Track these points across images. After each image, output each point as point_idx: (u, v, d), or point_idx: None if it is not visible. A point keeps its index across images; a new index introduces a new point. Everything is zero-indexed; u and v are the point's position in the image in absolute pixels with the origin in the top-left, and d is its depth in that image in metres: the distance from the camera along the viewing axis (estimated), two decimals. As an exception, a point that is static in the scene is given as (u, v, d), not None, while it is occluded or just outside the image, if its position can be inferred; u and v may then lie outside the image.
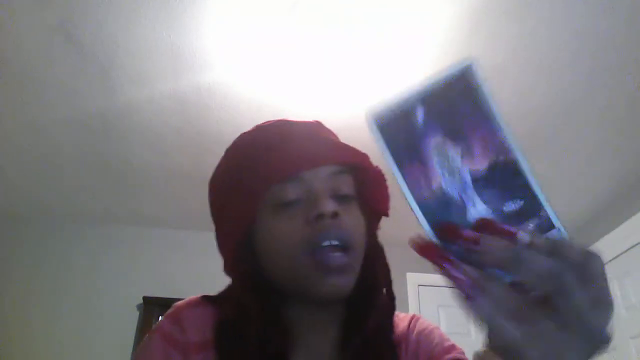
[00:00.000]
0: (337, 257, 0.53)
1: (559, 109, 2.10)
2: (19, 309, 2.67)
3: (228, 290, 0.63)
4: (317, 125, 0.66)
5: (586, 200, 2.73)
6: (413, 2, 1.64)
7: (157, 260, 2.92)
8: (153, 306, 2.74)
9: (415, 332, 0.65)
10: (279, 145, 0.59)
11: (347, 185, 0.59)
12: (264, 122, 0.67)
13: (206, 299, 0.63)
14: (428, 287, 3.09)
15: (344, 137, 0.67)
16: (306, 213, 0.55)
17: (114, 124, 2.18)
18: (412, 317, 0.67)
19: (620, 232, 2.65)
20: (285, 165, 0.57)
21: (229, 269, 0.63)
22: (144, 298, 2.75)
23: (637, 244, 2.55)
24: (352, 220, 0.58)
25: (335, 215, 0.54)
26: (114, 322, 2.72)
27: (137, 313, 2.76)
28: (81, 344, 2.64)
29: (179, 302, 0.62)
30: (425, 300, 3.07)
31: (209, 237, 3.01)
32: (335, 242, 0.54)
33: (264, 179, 0.57)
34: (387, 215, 0.64)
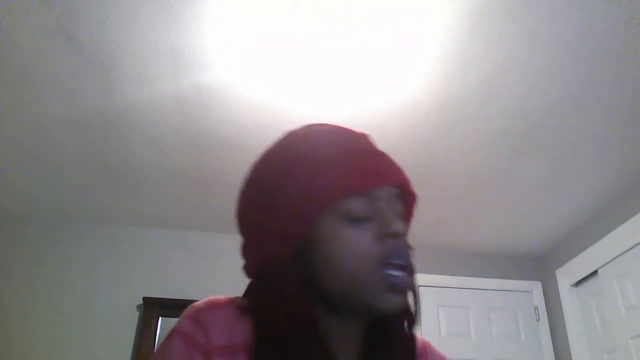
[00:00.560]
0: (404, 278, 0.56)
1: (559, 109, 2.10)
2: (19, 309, 2.67)
3: (261, 294, 0.59)
4: (372, 140, 0.67)
5: (586, 200, 2.73)
6: (413, 2, 1.64)
7: (157, 260, 2.92)
8: (153, 306, 2.74)
9: (434, 358, 0.69)
10: (352, 156, 0.59)
11: (401, 209, 0.62)
12: (317, 125, 0.66)
13: (230, 301, 0.60)
14: (428, 287, 3.09)
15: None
16: (378, 230, 0.57)
17: (114, 124, 2.18)
18: (424, 342, 0.70)
19: (620, 232, 2.65)
20: (361, 179, 0.58)
21: (264, 272, 0.60)
22: (144, 298, 2.75)
23: (637, 244, 2.54)
24: (409, 243, 0.61)
25: (403, 236, 0.57)
26: (114, 322, 2.72)
27: (137, 313, 2.76)
28: (81, 344, 2.64)
29: (198, 303, 0.59)
30: (425, 300, 3.07)
31: (209, 237, 3.02)
32: (402, 262, 0.56)
33: (339, 189, 0.57)
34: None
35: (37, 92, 2.00)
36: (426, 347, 0.69)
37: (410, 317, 0.62)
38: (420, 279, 3.10)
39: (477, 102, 2.07)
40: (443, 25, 1.73)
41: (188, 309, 0.59)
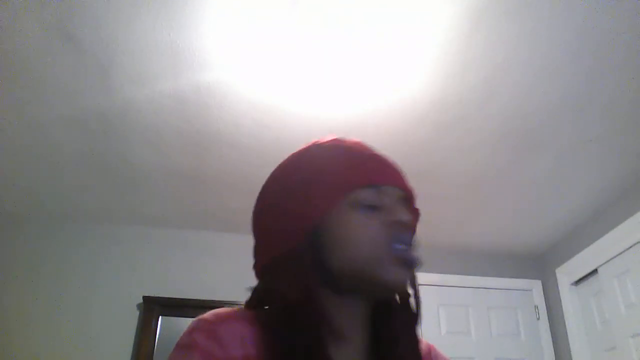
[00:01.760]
0: (410, 252, 0.63)
1: (559, 109, 2.10)
2: (19, 309, 2.67)
3: (275, 278, 0.63)
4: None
5: (587, 199, 2.73)
6: (413, 2, 1.64)
7: (157, 260, 2.92)
8: (153, 306, 2.74)
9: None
10: (366, 156, 0.67)
11: (408, 212, 0.67)
12: (337, 137, 0.73)
13: (236, 312, 0.61)
14: (428, 286, 3.09)
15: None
16: (385, 218, 0.63)
17: (113, 124, 2.18)
18: (429, 344, 0.73)
19: (620, 230, 2.65)
20: (372, 174, 0.65)
21: (278, 262, 0.64)
22: (144, 298, 2.75)
23: (637, 243, 2.55)
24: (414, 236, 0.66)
25: (408, 226, 0.63)
26: (114, 321, 2.72)
27: (137, 313, 2.76)
28: (81, 343, 2.64)
29: (206, 317, 0.59)
30: (425, 300, 3.04)
31: (209, 237, 3.02)
32: (407, 243, 0.63)
33: (354, 180, 0.64)
34: None
35: (37, 92, 2.00)
36: (431, 349, 0.72)
37: (412, 312, 0.67)
38: (421, 277, 3.08)
39: (477, 102, 2.07)
40: (443, 25, 1.73)
41: (196, 321, 0.59)
